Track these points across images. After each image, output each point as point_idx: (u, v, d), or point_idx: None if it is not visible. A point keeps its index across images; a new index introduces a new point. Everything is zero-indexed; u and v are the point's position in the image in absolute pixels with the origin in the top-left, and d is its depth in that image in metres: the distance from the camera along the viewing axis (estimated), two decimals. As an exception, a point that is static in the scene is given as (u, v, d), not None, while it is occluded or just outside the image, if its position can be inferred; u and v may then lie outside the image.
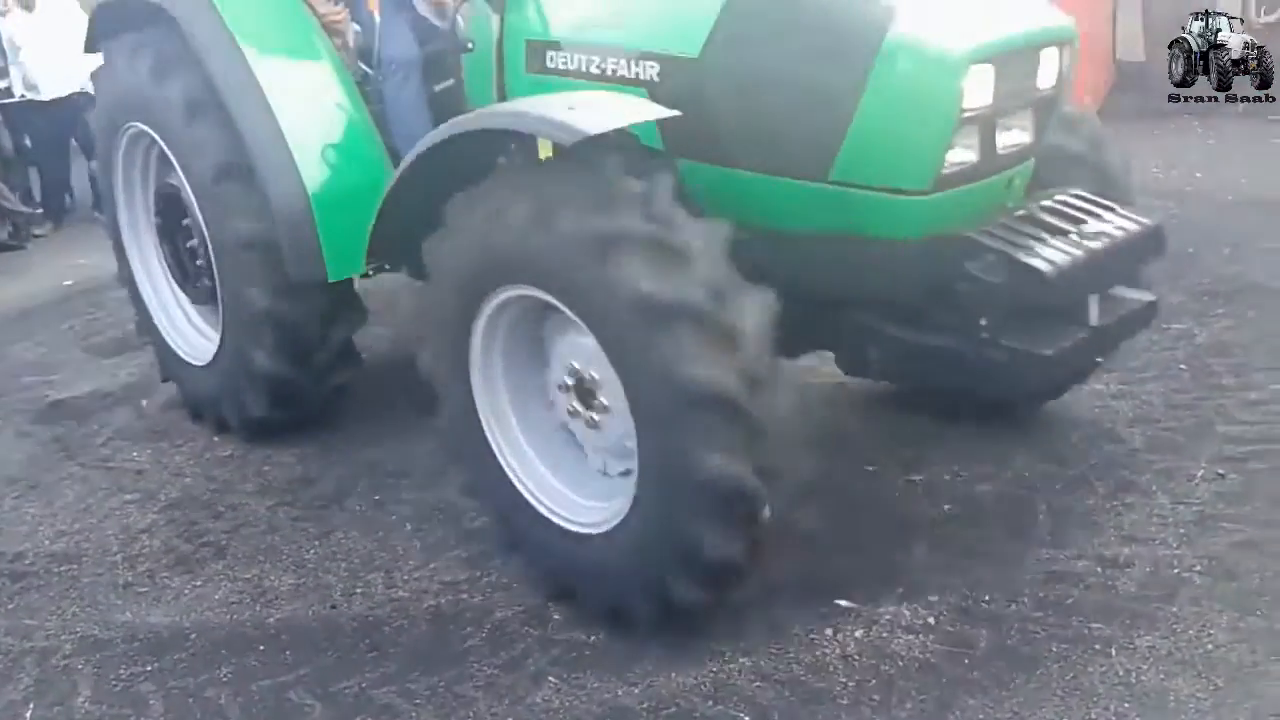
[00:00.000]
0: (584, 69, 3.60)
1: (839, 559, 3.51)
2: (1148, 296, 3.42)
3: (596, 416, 3.20)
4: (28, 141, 9.62)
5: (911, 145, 3.06)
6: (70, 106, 9.25)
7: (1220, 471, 3.80)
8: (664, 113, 3.06)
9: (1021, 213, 3.29)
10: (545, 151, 3.15)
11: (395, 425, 4.71)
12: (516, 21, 3.81)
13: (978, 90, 3.03)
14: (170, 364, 5.08)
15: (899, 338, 3.30)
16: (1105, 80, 10.11)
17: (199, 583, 3.78)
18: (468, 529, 3.90)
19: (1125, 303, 3.34)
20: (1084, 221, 3.28)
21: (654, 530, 2.96)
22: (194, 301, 4.97)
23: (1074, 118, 3.75)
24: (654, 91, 3.37)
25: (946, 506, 3.75)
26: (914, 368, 3.41)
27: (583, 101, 3.07)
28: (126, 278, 5.25)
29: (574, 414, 3.27)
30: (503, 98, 3.88)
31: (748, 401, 2.72)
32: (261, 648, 3.40)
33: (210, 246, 4.43)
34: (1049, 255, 3.08)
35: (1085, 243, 3.17)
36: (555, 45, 3.69)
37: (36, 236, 9.38)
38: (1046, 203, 3.36)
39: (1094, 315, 3.21)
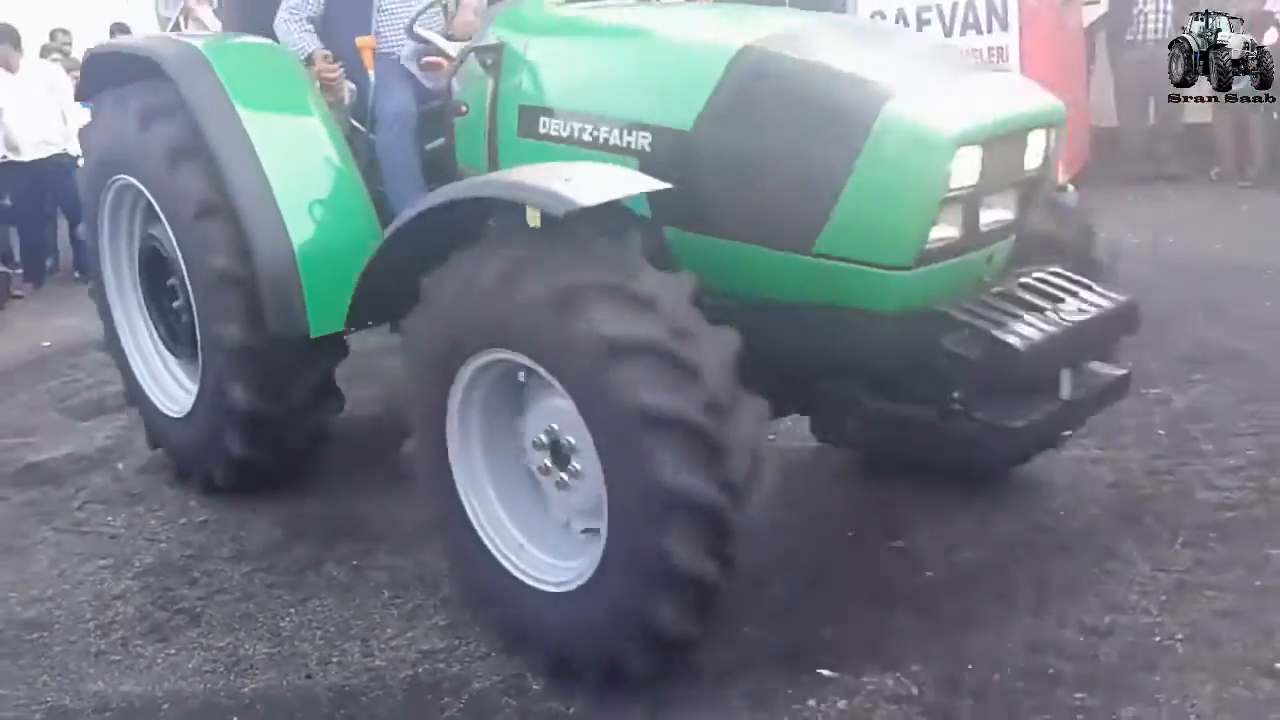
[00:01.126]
0: (576, 136, 3.66)
1: (821, 628, 3.49)
2: (1120, 371, 3.50)
3: (568, 479, 3.23)
4: (8, 201, 9.61)
5: (896, 223, 3.12)
6: (51, 168, 9.28)
7: (1200, 538, 3.80)
8: (654, 185, 3.15)
9: (999, 289, 3.35)
10: (534, 220, 3.14)
11: (373, 490, 4.69)
12: (510, 86, 3.88)
13: (964, 171, 3.09)
14: (156, 424, 5.04)
15: (874, 407, 3.37)
16: (1082, 147, 10.26)
17: (172, 651, 3.72)
18: (446, 596, 3.86)
19: (1099, 377, 3.43)
20: (1060, 299, 3.34)
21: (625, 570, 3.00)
22: (178, 356, 4.99)
23: (1062, 203, 3.91)
24: (645, 161, 3.43)
25: (928, 573, 3.74)
26: (887, 436, 3.46)
27: (577, 172, 3.14)
28: (111, 338, 5.22)
29: (545, 471, 3.30)
30: (493, 160, 3.94)
31: (712, 428, 2.81)
32: (235, 718, 3.34)
33: (189, 286, 4.45)
34: (1023, 331, 3.14)
35: (1060, 320, 3.24)
36: (548, 111, 3.77)
37: (15, 297, 9.35)
38: (1025, 280, 3.42)
39: (1066, 390, 3.27)
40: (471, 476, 3.44)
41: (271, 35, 4.71)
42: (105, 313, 5.22)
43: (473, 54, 3.96)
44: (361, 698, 3.37)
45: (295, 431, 4.54)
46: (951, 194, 3.09)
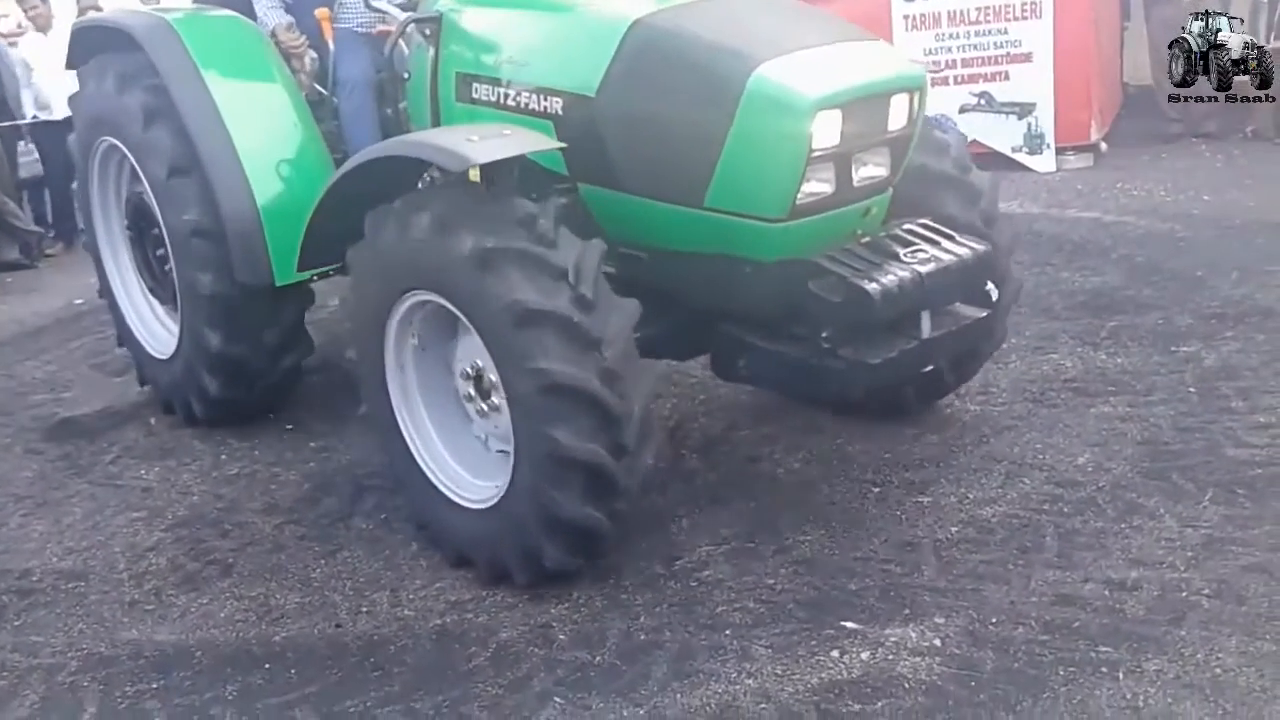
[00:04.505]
0: (502, 101, 3.98)
1: (844, 580, 3.50)
2: (980, 313, 3.82)
3: (486, 408, 3.67)
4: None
5: (769, 178, 3.44)
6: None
7: (1229, 495, 3.78)
8: (543, 145, 3.61)
9: (866, 239, 3.65)
10: (474, 175, 3.52)
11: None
12: (449, 55, 4.20)
13: (826, 132, 3.39)
14: (145, 365, 5.43)
15: (761, 347, 3.71)
16: (1114, 104, 10.14)
17: (205, 600, 3.78)
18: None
19: (959, 318, 3.76)
20: (919, 248, 3.62)
21: (527, 501, 3.41)
22: (163, 302, 5.35)
23: (943, 143, 4.17)
24: (558, 124, 3.78)
25: (953, 529, 3.75)
26: (773, 374, 3.85)
27: (481, 133, 3.56)
28: (105, 288, 5.60)
29: (469, 399, 3.74)
30: (437, 122, 4.28)
31: (605, 394, 3.19)
32: (267, 666, 3.40)
33: (167, 237, 4.80)
34: (879, 277, 3.44)
35: (915, 267, 3.52)
36: (479, 78, 4.08)
37: (47, 256, 9.44)
38: (893, 231, 3.73)
39: (926, 329, 3.61)
40: (405, 394, 3.85)
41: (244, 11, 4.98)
42: (99, 263, 5.57)
43: (413, 25, 4.29)
44: (390, 646, 3.42)
45: (268, 373, 4.87)
46: (817, 153, 3.40)
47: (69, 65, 5.40)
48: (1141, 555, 3.50)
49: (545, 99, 3.83)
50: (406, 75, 4.45)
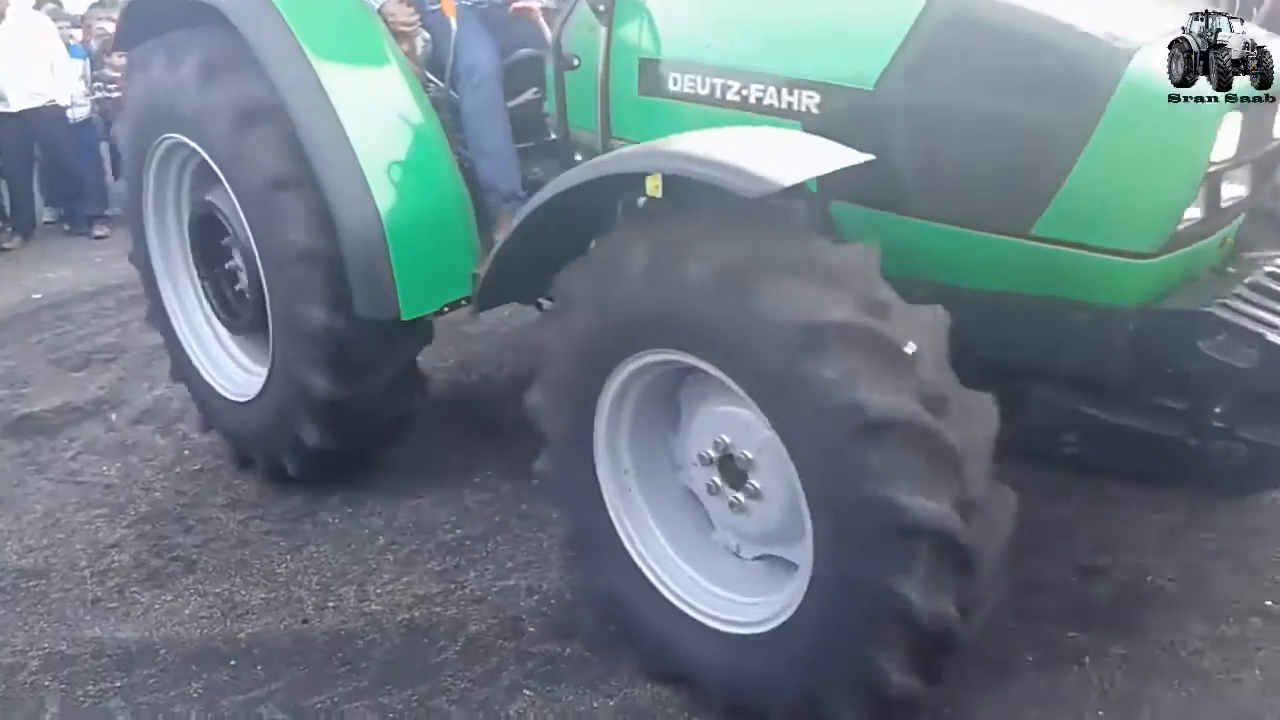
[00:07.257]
0: (717, 95, 3.15)
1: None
2: None
3: (744, 500, 2.81)
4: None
5: (1146, 200, 2.63)
6: (40, 119, 9.18)
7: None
8: (862, 158, 2.60)
9: (1249, 280, 2.82)
10: (653, 187, 2.70)
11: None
12: (628, 36, 3.35)
13: (1227, 140, 2.69)
14: (212, 405, 4.57)
15: (1103, 420, 2.82)
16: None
17: (169, 597, 3.74)
18: (441, 541, 3.89)
19: None
20: None
21: (827, 642, 2.56)
22: (234, 332, 4.50)
23: None
24: (810, 125, 2.92)
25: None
26: (1123, 455, 2.88)
27: (759, 141, 2.70)
28: (157, 311, 4.73)
29: (714, 490, 2.87)
30: (607, 121, 3.46)
31: (965, 534, 2.33)
32: (232, 663, 3.36)
33: (260, 263, 3.95)
34: None
35: None
36: (680, 65, 3.23)
37: (4, 250, 9.29)
38: (1270, 269, 2.90)
39: None
40: (625, 501, 3.01)
41: None
42: (150, 282, 4.70)
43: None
44: (358, 641, 3.39)
45: (376, 420, 4.10)
46: (1213, 167, 2.65)
47: (118, 46, 4.63)
48: (1108, 542, 3.53)
49: (791, 93, 2.98)
50: (576, 63, 3.54)
